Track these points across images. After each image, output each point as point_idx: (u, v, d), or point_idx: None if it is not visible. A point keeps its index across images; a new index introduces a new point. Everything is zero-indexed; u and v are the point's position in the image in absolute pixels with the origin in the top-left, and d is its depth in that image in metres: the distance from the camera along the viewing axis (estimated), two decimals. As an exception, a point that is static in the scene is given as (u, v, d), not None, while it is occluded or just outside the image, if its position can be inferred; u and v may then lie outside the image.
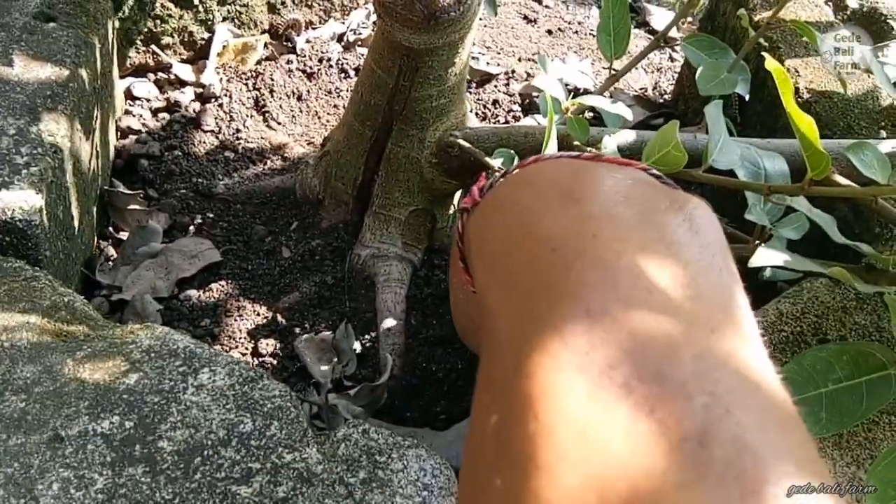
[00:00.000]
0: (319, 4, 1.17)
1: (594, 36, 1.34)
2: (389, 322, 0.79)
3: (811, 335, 0.56)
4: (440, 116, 0.78)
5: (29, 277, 0.56)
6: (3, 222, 0.59)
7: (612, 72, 0.73)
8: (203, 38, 1.07)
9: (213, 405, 0.49)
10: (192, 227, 0.87)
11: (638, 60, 0.83)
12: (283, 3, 1.13)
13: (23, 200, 0.60)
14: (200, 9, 1.05)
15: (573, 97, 0.74)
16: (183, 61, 1.07)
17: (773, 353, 0.55)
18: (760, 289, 0.67)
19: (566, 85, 1.10)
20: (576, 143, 0.71)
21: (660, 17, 1.39)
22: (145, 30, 1.02)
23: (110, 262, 0.83)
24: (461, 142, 0.76)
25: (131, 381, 0.49)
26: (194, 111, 1.01)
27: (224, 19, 1.08)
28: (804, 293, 0.59)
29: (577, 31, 1.34)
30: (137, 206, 0.86)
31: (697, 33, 0.92)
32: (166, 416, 0.48)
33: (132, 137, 0.96)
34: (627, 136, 0.73)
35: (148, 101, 1.02)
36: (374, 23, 1.22)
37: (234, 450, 0.47)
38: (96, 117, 0.80)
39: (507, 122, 1.08)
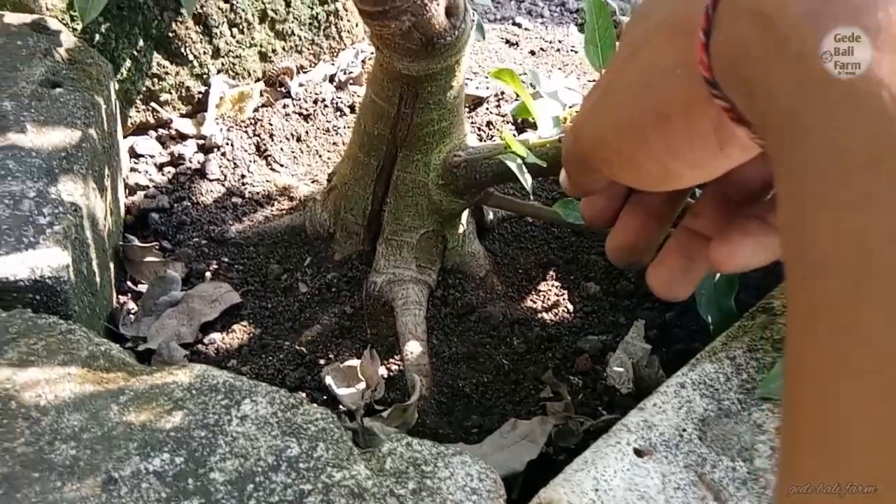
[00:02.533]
0: (308, 49, 1.20)
1: (575, 52, 1.38)
2: (412, 344, 0.80)
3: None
4: (443, 139, 0.80)
5: (64, 331, 0.57)
6: (33, 281, 0.61)
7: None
8: (200, 92, 1.10)
9: (259, 433, 0.50)
10: (208, 274, 0.89)
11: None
12: (273, 52, 1.16)
13: (50, 258, 0.62)
14: (195, 63, 1.08)
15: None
16: (182, 116, 1.10)
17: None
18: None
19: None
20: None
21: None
22: (143, 89, 1.05)
23: (132, 315, 0.84)
24: (467, 157, 0.78)
25: (177, 419, 0.51)
26: (199, 162, 1.04)
27: (219, 72, 1.11)
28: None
29: (558, 50, 1.38)
30: (153, 258, 0.87)
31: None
32: (215, 449, 0.49)
33: (140, 193, 0.99)
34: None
35: (152, 157, 1.05)
36: (362, 62, 1.26)
37: (284, 474, 0.48)
38: (107, 175, 0.83)
39: (503, 141, 1.10)
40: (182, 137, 1.08)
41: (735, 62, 0.23)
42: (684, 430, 0.49)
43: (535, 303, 0.89)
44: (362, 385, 0.77)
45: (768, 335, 0.56)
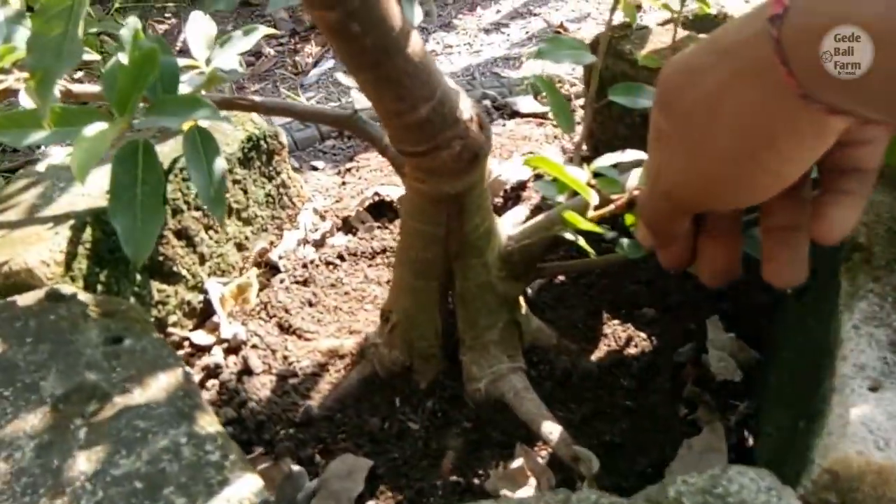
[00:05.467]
0: (272, 224, 1.24)
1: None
2: (547, 425, 0.83)
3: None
4: (489, 236, 0.87)
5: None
6: (246, 514, 0.59)
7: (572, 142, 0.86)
8: (200, 301, 1.10)
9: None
10: (317, 456, 0.87)
11: (588, 128, 0.99)
12: (246, 238, 1.19)
13: (249, 487, 0.61)
14: (188, 276, 1.08)
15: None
16: (192, 330, 1.09)
17: None
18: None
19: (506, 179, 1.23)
20: (613, 196, 0.82)
21: (524, 103, 1.59)
22: (153, 319, 1.03)
23: (272, 528, 0.81)
24: (522, 244, 0.85)
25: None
26: (235, 363, 1.02)
27: (209, 276, 1.11)
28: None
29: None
30: (265, 465, 0.85)
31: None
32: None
33: (200, 416, 0.96)
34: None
35: (186, 379, 1.02)
36: (321, 216, 1.31)
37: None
38: (195, 404, 0.81)
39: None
40: (203, 349, 1.06)
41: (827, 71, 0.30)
42: (885, 357, 0.58)
43: (610, 345, 0.96)
44: (533, 481, 0.79)
45: (877, 263, 0.66)
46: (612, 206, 0.79)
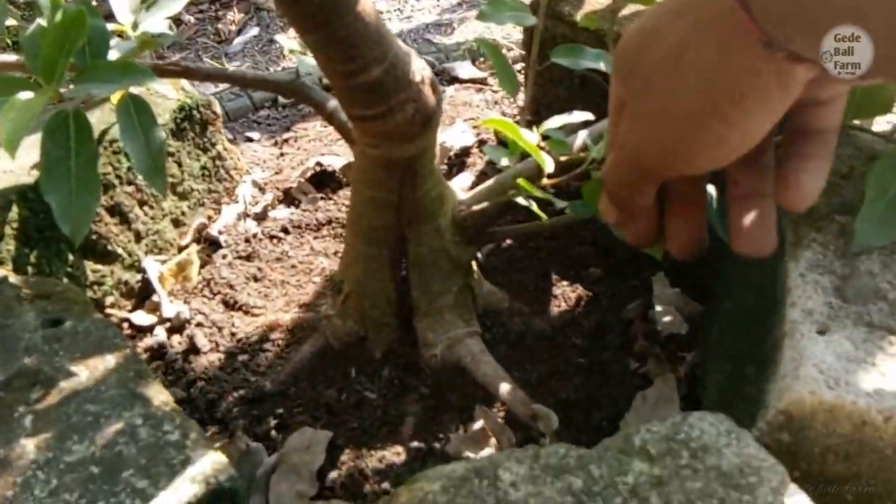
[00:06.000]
0: (209, 198, 1.20)
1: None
2: (503, 386, 0.85)
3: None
4: (441, 201, 0.86)
5: (287, 513, 0.55)
6: (211, 491, 0.58)
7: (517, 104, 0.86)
8: (138, 281, 1.05)
9: (538, 488, 0.53)
10: (273, 432, 0.86)
11: (531, 90, 0.99)
12: (182, 214, 1.14)
13: (213, 464, 0.59)
14: (124, 255, 1.03)
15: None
16: (131, 311, 1.04)
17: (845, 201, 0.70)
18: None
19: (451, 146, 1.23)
20: (562, 158, 0.82)
21: (463, 69, 1.58)
22: (88, 301, 0.98)
23: (232, 506, 0.79)
24: (475, 208, 0.85)
25: (466, 516, 0.52)
26: (180, 343, 0.99)
27: (146, 254, 1.07)
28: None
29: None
30: (220, 443, 0.83)
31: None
32: (521, 517, 0.51)
33: (146, 398, 0.92)
34: (597, 128, 0.86)
35: (128, 361, 0.98)
36: (259, 189, 1.27)
37: (591, 502, 0.52)
38: (144, 385, 0.78)
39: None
40: (145, 330, 1.02)
41: (792, 12, 0.29)
42: (830, 302, 0.61)
43: (560, 306, 0.98)
44: (494, 441, 0.80)
45: (818, 214, 0.69)
46: (567, 176, 0.79)
